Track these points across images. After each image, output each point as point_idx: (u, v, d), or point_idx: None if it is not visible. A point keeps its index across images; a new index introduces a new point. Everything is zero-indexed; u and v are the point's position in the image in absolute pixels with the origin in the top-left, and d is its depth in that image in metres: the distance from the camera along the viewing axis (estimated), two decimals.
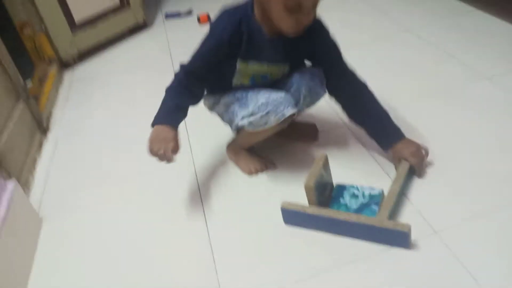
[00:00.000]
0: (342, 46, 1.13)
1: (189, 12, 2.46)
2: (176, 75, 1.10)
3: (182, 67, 1.10)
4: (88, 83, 2.00)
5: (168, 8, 2.60)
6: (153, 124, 1.07)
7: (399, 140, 1.11)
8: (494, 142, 1.16)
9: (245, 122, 1.09)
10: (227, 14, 1.06)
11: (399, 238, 0.93)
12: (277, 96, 1.06)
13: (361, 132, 1.28)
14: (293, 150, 1.29)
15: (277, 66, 1.12)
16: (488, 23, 1.71)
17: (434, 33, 1.71)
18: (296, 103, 1.10)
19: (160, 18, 2.52)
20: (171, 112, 1.08)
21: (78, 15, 2.13)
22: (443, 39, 1.66)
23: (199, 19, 2.31)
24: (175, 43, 2.17)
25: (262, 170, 1.23)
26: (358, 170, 1.16)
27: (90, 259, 1.10)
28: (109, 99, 1.82)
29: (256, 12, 1.04)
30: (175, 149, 1.03)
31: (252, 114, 1.07)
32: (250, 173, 1.22)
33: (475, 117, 1.26)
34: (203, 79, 1.11)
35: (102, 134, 1.60)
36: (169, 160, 1.02)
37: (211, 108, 1.24)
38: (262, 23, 1.04)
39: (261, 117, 1.06)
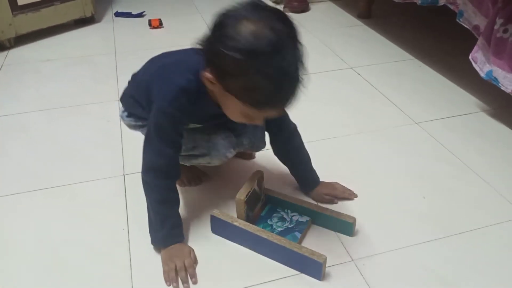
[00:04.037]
0: None
1: (141, 15, 2.42)
2: (150, 181, 0.98)
3: (151, 168, 0.97)
4: (22, 68, 1.89)
5: (120, 7, 2.54)
6: (166, 245, 1.00)
7: (315, 187, 1.16)
8: (417, 182, 1.24)
9: (185, 161, 1.09)
10: (178, 90, 0.91)
11: (313, 268, 0.95)
12: (217, 139, 1.05)
13: None
14: (229, 165, 1.29)
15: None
16: (425, 72, 1.83)
17: (375, 75, 1.81)
18: (235, 148, 1.10)
19: (110, 15, 2.46)
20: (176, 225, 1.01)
21: None
22: (382, 82, 1.76)
23: (150, 23, 2.28)
24: (121, 42, 2.12)
25: (195, 182, 1.22)
26: (289, 190, 1.18)
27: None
28: (41, 88, 1.73)
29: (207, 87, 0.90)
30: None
31: (192, 155, 1.06)
32: (182, 184, 1.20)
33: (402, 158, 1.34)
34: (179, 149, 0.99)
35: (27, 123, 1.51)
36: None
37: (132, 127, 1.16)
38: (212, 97, 0.92)
39: (203, 158, 1.06)
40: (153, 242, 1.02)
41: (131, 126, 1.16)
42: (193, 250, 1.01)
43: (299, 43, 0.80)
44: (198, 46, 0.85)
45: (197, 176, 1.23)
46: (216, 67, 0.82)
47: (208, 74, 0.84)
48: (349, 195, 1.17)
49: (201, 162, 1.08)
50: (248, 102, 0.82)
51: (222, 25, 0.79)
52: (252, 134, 1.11)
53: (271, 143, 1.15)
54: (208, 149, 1.06)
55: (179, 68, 0.94)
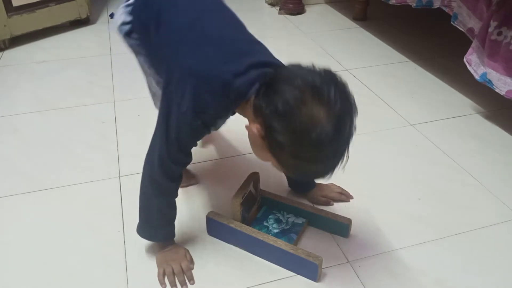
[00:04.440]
0: None
1: None
2: (157, 178, 0.91)
3: (166, 172, 0.90)
4: (17, 70, 1.89)
5: (116, 9, 2.53)
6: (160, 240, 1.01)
7: (311, 189, 1.17)
8: (412, 184, 1.24)
9: None
10: (215, 115, 0.85)
11: (309, 269, 0.95)
12: None
13: None
14: (225, 166, 1.29)
15: None
16: (420, 74, 1.84)
17: (371, 77, 1.81)
18: None
19: (105, 16, 2.45)
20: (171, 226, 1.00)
21: None
22: (378, 84, 1.76)
23: None
24: (117, 43, 2.11)
25: (182, 184, 1.22)
26: (285, 191, 1.19)
27: None
28: (36, 89, 1.73)
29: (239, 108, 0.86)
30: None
31: None
32: None
33: (397, 160, 1.34)
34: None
35: (22, 124, 1.51)
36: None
37: (128, 45, 1.02)
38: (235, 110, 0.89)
39: None
40: (148, 237, 1.01)
41: (127, 41, 1.01)
42: (188, 252, 1.01)
43: (355, 129, 0.76)
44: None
45: (185, 178, 1.22)
46: (266, 132, 0.75)
47: (254, 129, 0.77)
48: (345, 197, 1.17)
49: None
50: (288, 172, 0.81)
51: (286, 96, 0.72)
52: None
53: None
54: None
55: (219, 87, 0.81)
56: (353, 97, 0.75)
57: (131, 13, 0.97)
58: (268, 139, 0.76)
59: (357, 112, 0.75)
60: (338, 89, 0.73)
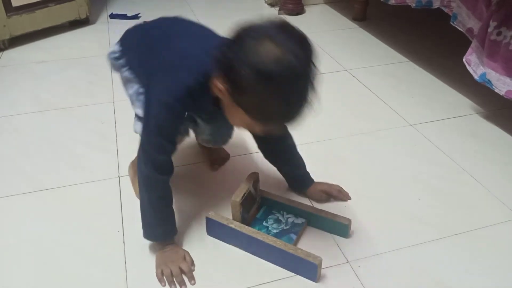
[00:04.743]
0: None
1: (136, 16, 2.42)
2: (148, 172, 0.94)
3: (152, 165, 0.93)
4: (16, 70, 1.88)
5: (115, 9, 2.54)
6: (158, 239, 1.02)
7: (310, 185, 1.17)
8: (412, 184, 1.24)
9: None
10: (186, 90, 0.88)
11: (308, 269, 0.95)
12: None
13: None
14: (224, 166, 1.30)
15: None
16: (419, 75, 1.84)
17: (370, 77, 1.81)
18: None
19: (104, 16, 2.45)
20: (170, 222, 1.02)
21: None
22: (377, 84, 1.76)
23: None
24: None
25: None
26: (285, 191, 1.19)
27: None
28: (36, 90, 1.72)
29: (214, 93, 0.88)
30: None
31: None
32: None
33: (396, 160, 1.34)
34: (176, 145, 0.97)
35: (21, 124, 1.51)
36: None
37: (118, 70, 1.10)
38: (213, 96, 0.90)
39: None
40: (150, 237, 1.02)
41: (113, 64, 1.10)
42: (188, 253, 1.01)
43: (315, 66, 0.80)
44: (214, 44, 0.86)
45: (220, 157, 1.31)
46: (229, 80, 0.81)
47: (219, 85, 0.82)
48: (342, 196, 1.17)
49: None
50: (256, 118, 0.83)
51: (243, 41, 0.78)
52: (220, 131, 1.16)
53: (262, 145, 1.15)
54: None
55: (189, 64, 0.90)
56: (311, 42, 0.80)
57: (121, 45, 1.09)
58: (230, 87, 0.81)
59: (314, 51, 0.80)
60: (293, 33, 0.79)
